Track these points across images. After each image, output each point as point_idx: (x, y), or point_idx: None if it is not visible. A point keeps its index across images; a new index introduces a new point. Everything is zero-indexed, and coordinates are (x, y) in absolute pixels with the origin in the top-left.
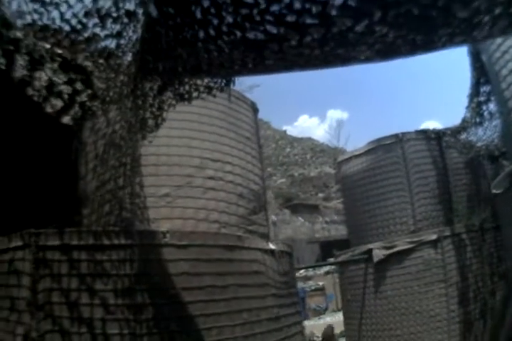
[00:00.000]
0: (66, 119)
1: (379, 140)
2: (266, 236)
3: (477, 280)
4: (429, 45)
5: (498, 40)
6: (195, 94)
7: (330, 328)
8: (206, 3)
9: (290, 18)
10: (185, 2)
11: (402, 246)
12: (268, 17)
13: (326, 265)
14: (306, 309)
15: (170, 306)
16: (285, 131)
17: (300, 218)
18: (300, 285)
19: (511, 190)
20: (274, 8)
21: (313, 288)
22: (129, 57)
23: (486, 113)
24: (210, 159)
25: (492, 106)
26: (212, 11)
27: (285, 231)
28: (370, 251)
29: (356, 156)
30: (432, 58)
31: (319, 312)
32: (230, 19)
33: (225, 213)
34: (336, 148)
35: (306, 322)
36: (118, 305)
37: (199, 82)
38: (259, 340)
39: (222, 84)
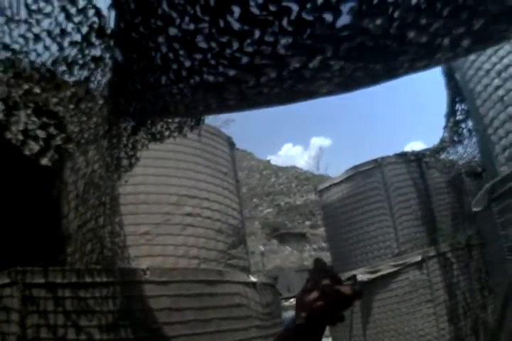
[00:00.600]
0: (44, 161)
1: (357, 167)
2: (247, 270)
3: (466, 296)
4: (390, 72)
5: (471, 57)
6: (166, 134)
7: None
8: (164, 49)
9: (244, 60)
10: (146, 48)
11: (386, 269)
12: (222, 61)
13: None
14: None
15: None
16: (269, 161)
17: (288, 247)
18: (291, 313)
19: (490, 208)
20: (227, 51)
21: None
22: (100, 101)
23: (465, 131)
24: (187, 196)
25: (470, 123)
26: (171, 56)
27: (274, 261)
28: (354, 276)
29: (335, 184)
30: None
31: None
32: (187, 64)
33: (205, 248)
34: (320, 175)
35: None
36: (103, 340)
37: (170, 121)
38: None
39: (193, 123)
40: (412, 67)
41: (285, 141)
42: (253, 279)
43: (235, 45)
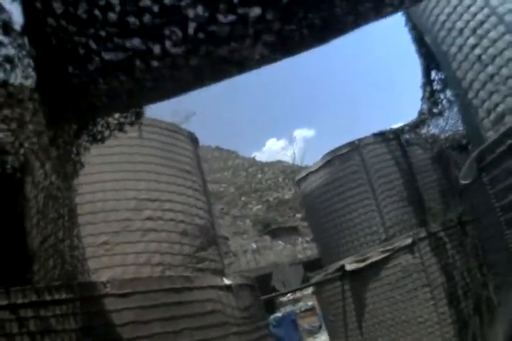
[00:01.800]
0: None
1: (334, 151)
2: (220, 272)
3: (464, 276)
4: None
5: (442, 18)
6: (107, 133)
7: None
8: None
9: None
10: (61, 40)
11: (376, 256)
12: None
13: (301, 289)
14: (299, 331)
15: None
16: (254, 158)
17: (280, 242)
18: (290, 308)
19: (481, 179)
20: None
21: (303, 309)
22: (29, 105)
23: (444, 101)
24: (147, 199)
25: (449, 93)
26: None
27: (267, 257)
28: (342, 267)
29: (313, 172)
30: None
31: (313, 332)
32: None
33: (169, 254)
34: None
35: None
36: None
37: (109, 120)
38: None
39: (133, 118)
40: (357, 20)
41: (269, 136)
42: (227, 282)
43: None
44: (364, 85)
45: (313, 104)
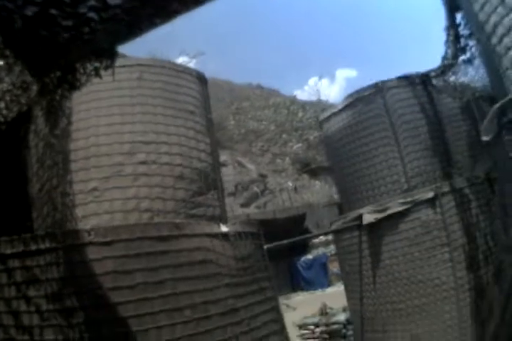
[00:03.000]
0: None
1: (358, 92)
2: (217, 218)
3: (487, 239)
4: None
5: None
6: (84, 80)
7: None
8: None
9: None
10: None
11: (395, 207)
12: None
13: (319, 235)
14: (329, 275)
15: (99, 308)
16: (295, 96)
17: (317, 182)
18: (321, 250)
19: (502, 134)
20: None
21: (333, 252)
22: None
23: (474, 48)
24: (142, 142)
25: None
26: None
27: (304, 196)
28: (361, 216)
29: (336, 113)
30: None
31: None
32: None
33: (160, 199)
34: None
35: (329, 289)
36: (50, 311)
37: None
38: (210, 338)
39: (108, 62)
40: None
41: (311, 74)
42: (224, 229)
43: None
44: (412, 25)
45: (357, 44)
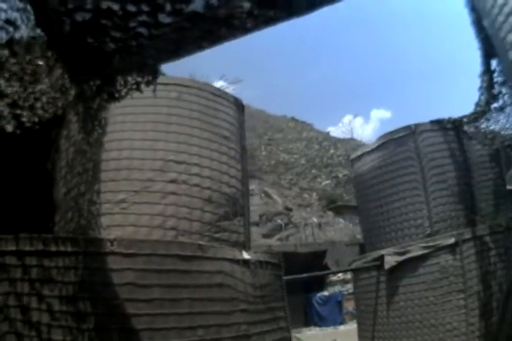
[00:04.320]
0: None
1: (391, 133)
2: (240, 245)
3: (502, 288)
4: None
5: (500, 1)
6: (124, 92)
7: None
8: None
9: None
10: None
11: (416, 251)
12: None
13: (339, 272)
14: (343, 313)
15: (112, 317)
16: (328, 133)
17: (341, 220)
18: (338, 288)
19: None
20: None
21: (350, 291)
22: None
23: (506, 96)
24: (174, 161)
25: None
26: None
27: (328, 233)
28: (381, 257)
29: (367, 153)
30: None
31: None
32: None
33: (186, 219)
34: None
35: (341, 327)
36: (62, 312)
37: (127, 79)
38: None
39: (150, 77)
40: None
41: (346, 112)
42: (246, 256)
43: None
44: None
45: (393, 86)
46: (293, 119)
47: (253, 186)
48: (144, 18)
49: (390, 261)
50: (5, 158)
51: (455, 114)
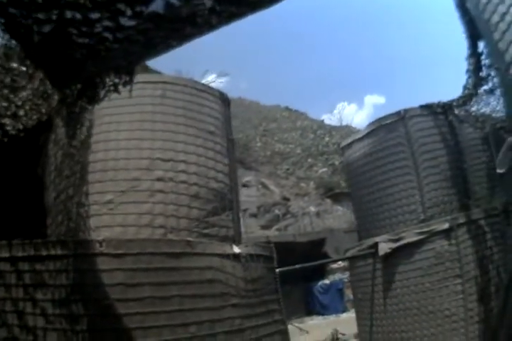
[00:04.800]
0: None
1: (380, 119)
2: (230, 239)
3: (499, 271)
4: None
5: None
6: (102, 94)
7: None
8: None
9: None
10: None
11: (410, 237)
12: None
13: (334, 261)
14: (344, 300)
15: (104, 317)
16: (322, 121)
17: (339, 207)
18: (339, 275)
19: None
20: None
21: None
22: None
23: (495, 79)
24: (160, 159)
25: None
26: None
27: (326, 221)
28: (376, 244)
29: (358, 140)
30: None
31: None
32: None
33: (174, 217)
34: None
35: (344, 315)
36: (56, 315)
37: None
38: None
39: (127, 78)
40: None
41: (340, 99)
42: (236, 250)
43: None
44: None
45: (386, 71)
46: (287, 109)
47: (250, 177)
48: (106, 23)
49: (385, 247)
50: None
51: (450, 98)
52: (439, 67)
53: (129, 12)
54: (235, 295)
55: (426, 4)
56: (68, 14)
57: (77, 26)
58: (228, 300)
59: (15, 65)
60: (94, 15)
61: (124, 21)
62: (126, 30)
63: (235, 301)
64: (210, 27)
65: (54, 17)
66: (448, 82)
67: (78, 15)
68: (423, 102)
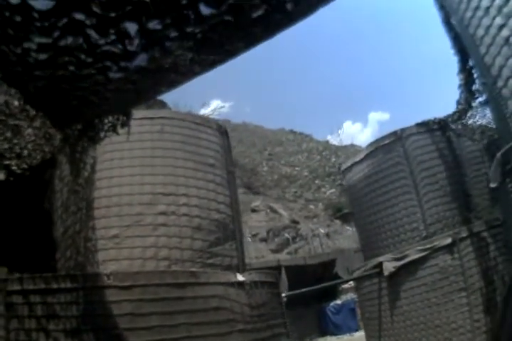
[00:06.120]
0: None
1: (378, 140)
2: (234, 268)
3: (504, 281)
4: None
5: None
6: (102, 134)
7: None
8: None
9: None
10: None
11: (414, 255)
12: None
13: (342, 282)
14: (357, 319)
15: None
16: (327, 141)
17: (348, 227)
18: (351, 296)
19: (505, 183)
20: None
21: None
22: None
23: None
24: (162, 193)
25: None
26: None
27: (337, 241)
28: (380, 264)
29: (357, 162)
30: None
31: None
32: None
33: (178, 249)
34: None
35: (357, 334)
36: None
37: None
38: None
39: (124, 119)
40: None
41: (344, 118)
42: (240, 278)
43: None
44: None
45: (388, 87)
46: (291, 132)
47: (257, 202)
48: (96, 77)
49: (389, 267)
50: (4, 202)
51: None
52: (443, 81)
53: (114, 68)
54: (241, 321)
55: (428, 17)
56: (60, 72)
57: (69, 81)
58: (234, 326)
59: (16, 105)
60: (84, 72)
61: (112, 75)
62: (115, 82)
63: (241, 327)
64: (194, 74)
65: (46, 74)
66: (452, 95)
67: (67, 73)
68: (427, 116)
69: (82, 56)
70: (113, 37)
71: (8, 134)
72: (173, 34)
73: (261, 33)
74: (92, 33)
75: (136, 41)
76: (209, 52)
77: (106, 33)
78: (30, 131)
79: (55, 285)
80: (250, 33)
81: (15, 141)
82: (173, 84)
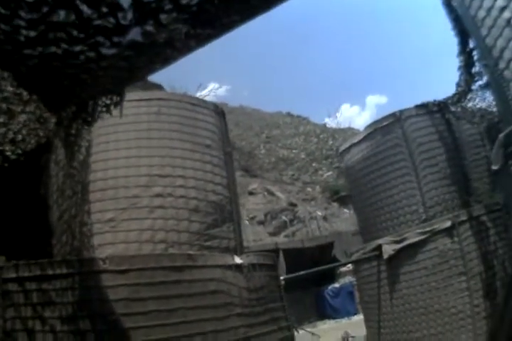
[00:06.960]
0: None
1: (376, 122)
2: (232, 250)
3: (505, 266)
4: None
5: None
6: (96, 116)
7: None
8: None
9: None
10: None
11: (413, 238)
12: None
13: (340, 265)
14: (356, 303)
15: (111, 332)
16: (325, 124)
17: (346, 210)
18: (349, 279)
19: (507, 165)
20: None
21: None
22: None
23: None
24: (158, 175)
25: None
26: None
27: (335, 224)
28: (379, 247)
29: (355, 144)
30: None
31: None
32: None
33: (175, 231)
34: None
35: (355, 317)
36: (64, 332)
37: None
38: None
39: (117, 99)
40: None
41: (341, 101)
42: (238, 261)
43: None
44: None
45: (386, 70)
46: (288, 114)
47: (255, 185)
48: (88, 54)
49: (388, 250)
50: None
51: (451, 94)
52: (441, 63)
53: (107, 43)
54: (239, 305)
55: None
56: (52, 49)
57: (60, 59)
58: (232, 310)
59: (10, 89)
60: (76, 48)
61: (105, 51)
62: (108, 58)
63: (239, 310)
64: (190, 49)
65: (38, 52)
66: (450, 78)
67: (59, 51)
68: (425, 99)
69: (74, 32)
70: (105, 10)
71: (1, 119)
72: (168, 6)
73: (258, 5)
74: (84, 6)
75: (130, 14)
76: (205, 25)
77: (98, 5)
78: (24, 115)
79: (50, 272)
80: (247, 5)
81: (8, 126)
82: (167, 61)
